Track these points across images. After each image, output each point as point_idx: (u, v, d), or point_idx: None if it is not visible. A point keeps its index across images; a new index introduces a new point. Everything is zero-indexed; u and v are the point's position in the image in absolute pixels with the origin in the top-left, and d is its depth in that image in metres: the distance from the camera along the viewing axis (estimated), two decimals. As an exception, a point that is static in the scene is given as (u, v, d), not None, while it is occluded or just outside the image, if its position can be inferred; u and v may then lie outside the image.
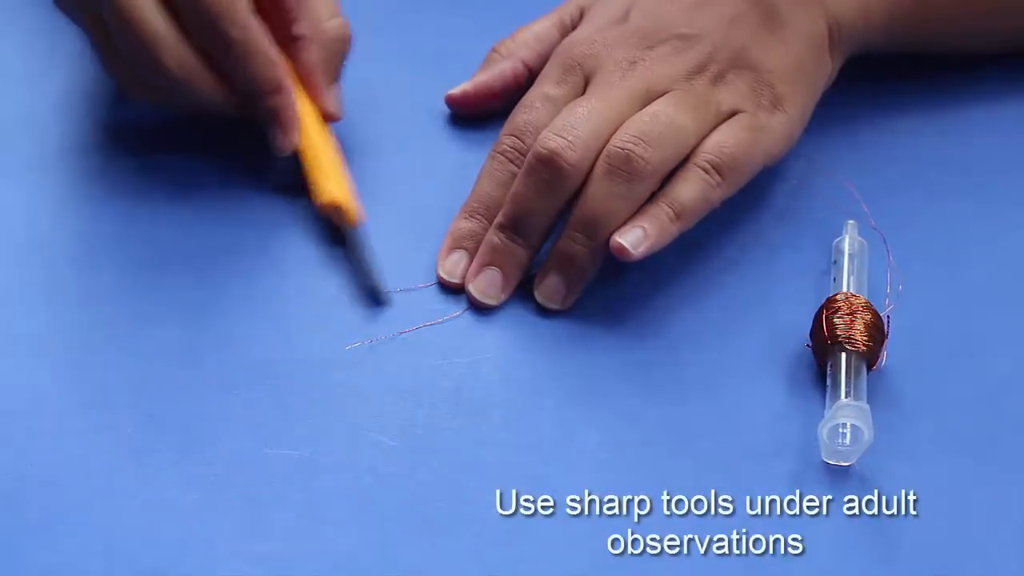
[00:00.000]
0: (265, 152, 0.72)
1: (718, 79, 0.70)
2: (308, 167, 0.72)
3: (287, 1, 0.71)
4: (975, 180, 0.76)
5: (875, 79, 0.81)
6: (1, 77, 0.80)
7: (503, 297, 0.69)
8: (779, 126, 0.70)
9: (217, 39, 0.69)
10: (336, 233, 0.71)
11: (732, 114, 0.70)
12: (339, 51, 0.74)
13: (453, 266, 0.69)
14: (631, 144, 0.66)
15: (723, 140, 0.68)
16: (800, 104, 0.72)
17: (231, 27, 0.69)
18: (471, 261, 0.69)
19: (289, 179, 0.73)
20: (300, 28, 0.72)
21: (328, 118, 0.74)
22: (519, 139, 0.70)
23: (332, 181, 0.71)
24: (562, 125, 0.68)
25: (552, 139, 0.67)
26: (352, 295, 0.68)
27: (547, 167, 0.67)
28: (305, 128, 0.72)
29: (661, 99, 0.69)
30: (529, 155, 0.68)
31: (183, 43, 0.69)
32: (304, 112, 0.72)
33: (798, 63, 0.72)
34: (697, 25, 0.71)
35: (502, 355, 0.67)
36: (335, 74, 0.74)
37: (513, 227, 0.68)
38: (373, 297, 0.68)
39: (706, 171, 0.67)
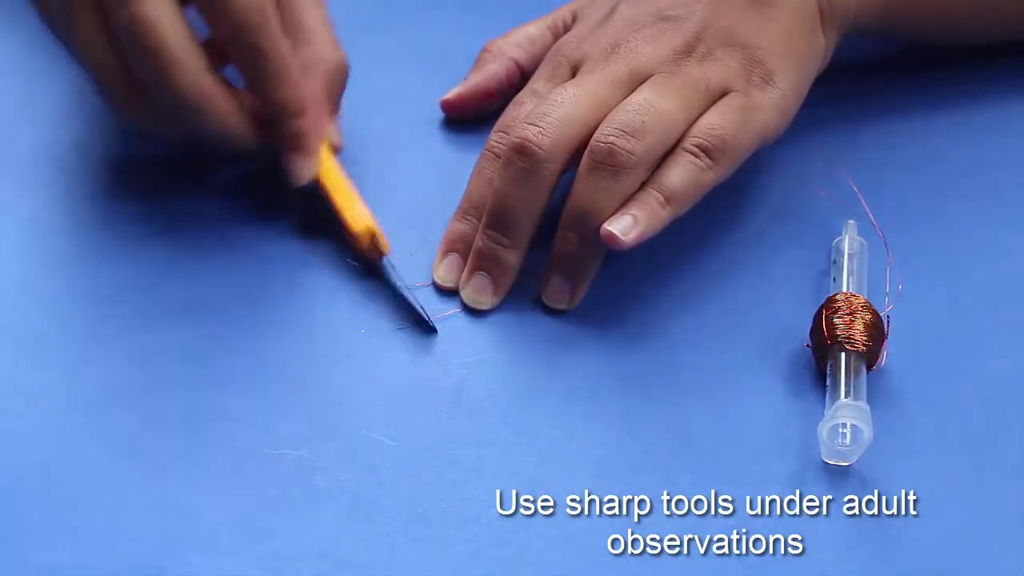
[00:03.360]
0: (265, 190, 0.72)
1: (706, 58, 0.69)
2: (333, 195, 0.70)
3: (293, 31, 0.70)
4: (975, 180, 0.76)
5: (875, 78, 0.81)
6: (5, 73, 0.80)
7: (495, 301, 0.68)
8: (772, 102, 0.69)
9: (248, 50, 0.67)
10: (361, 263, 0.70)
11: (723, 93, 0.69)
12: (339, 83, 0.72)
13: (447, 271, 0.69)
14: (613, 137, 0.66)
15: (713, 122, 0.68)
16: (792, 79, 0.71)
17: (263, 39, 0.67)
18: (464, 264, 0.69)
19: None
20: (304, 57, 0.71)
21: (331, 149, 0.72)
22: (506, 134, 0.70)
23: (361, 209, 0.69)
24: (535, 113, 0.68)
25: (524, 127, 0.67)
26: (393, 321, 0.67)
27: (520, 155, 0.67)
28: (322, 156, 0.71)
29: (645, 85, 0.68)
30: (505, 147, 0.68)
31: (203, 64, 0.67)
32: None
33: (788, 39, 0.71)
34: (683, 7, 0.71)
35: (502, 355, 0.67)
36: (336, 106, 0.73)
37: (496, 225, 0.68)
38: (419, 325, 0.67)
39: (695, 155, 0.67)
